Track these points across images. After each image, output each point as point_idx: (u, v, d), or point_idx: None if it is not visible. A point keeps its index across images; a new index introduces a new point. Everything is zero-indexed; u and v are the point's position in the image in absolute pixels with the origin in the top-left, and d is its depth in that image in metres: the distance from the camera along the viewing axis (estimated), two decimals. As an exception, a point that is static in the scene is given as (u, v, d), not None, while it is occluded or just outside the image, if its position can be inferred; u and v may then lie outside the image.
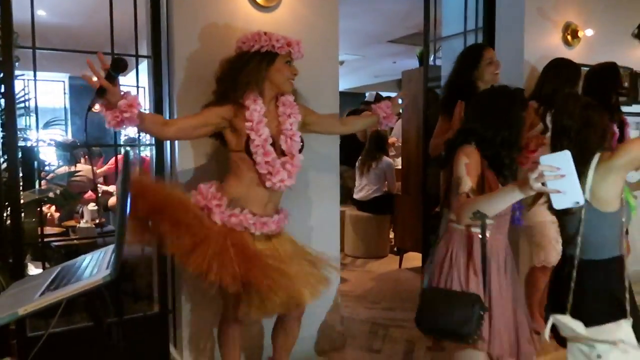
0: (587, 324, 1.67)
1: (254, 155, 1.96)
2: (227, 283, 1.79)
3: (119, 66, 1.61)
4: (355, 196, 5.07)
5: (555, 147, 1.74)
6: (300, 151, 2.08)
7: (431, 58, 4.13)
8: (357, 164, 5.08)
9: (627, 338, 1.66)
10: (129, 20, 2.44)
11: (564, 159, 1.34)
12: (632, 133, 3.57)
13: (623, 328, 1.69)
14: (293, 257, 2.06)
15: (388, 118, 2.38)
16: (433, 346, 2.62)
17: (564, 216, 1.76)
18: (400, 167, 4.99)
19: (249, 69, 1.98)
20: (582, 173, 1.66)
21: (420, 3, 3.97)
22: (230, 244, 1.86)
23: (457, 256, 1.82)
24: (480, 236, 1.73)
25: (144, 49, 2.55)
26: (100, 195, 4.66)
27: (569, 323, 1.67)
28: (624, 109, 3.87)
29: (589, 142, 1.70)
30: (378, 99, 5.69)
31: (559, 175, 1.34)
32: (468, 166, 1.77)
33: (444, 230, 1.93)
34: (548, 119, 2.64)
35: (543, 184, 1.35)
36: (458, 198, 1.73)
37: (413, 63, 5.74)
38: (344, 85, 10.72)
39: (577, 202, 1.37)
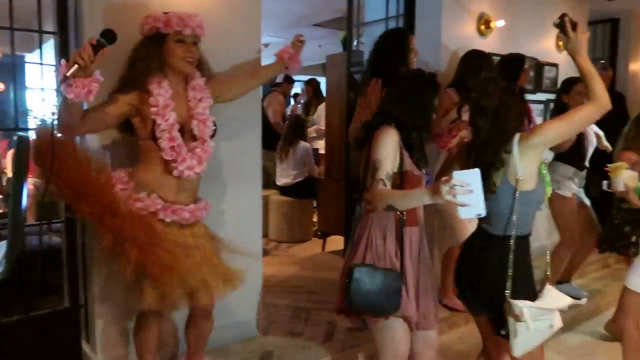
0: (533, 299, 1.80)
1: (160, 141, 1.87)
2: (123, 267, 1.76)
3: (111, 36, 1.71)
4: (278, 182, 5.05)
5: (473, 127, 1.84)
6: (212, 136, 2.01)
7: (354, 43, 4.17)
8: (277, 149, 5.04)
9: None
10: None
11: (474, 176, 1.48)
12: (536, 119, 3.83)
13: (553, 291, 1.86)
14: (207, 249, 2.01)
15: (293, 59, 2.39)
16: (353, 324, 2.65)
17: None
18: (324, 150, 5.03)
19: (142, 54, 1.91)
20: (502, 152, 1.78)
21: (343, -14, 3.99)
22: (132, 228, 1.78)
23: (375, 235, 1.89)
24: (398, 214, 1.83)
25: (49, 25, 2.34)
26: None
27: (530, 305, 1.76)
28: (530, 96, 4.15)
29: (507, 122, 1.80)
30: (288, 80, 5.68)
31: (468, 190, 1.46)
32: (387, 146, 1.82)
33: (361, 211, 1.97)
34: (465, 110, 2.75)
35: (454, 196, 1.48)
36: (375, 184, 1.78)
37: (338, 48, 5.75)
38: (269, 67, 10.55)
39: (479, 214, 1.52)
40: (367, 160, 1.93)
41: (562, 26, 1.79)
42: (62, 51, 2.24)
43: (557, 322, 1.84)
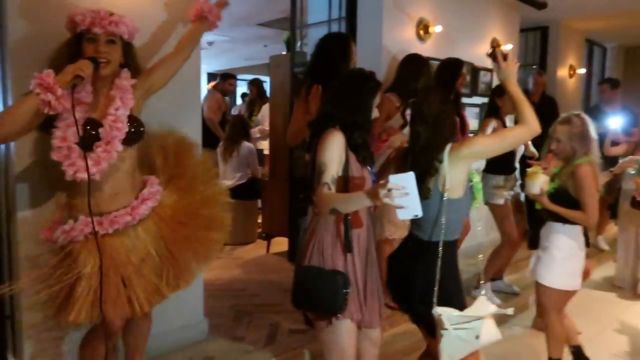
0: (461, 308, 1.85)
1: (52, 141, 1.76)
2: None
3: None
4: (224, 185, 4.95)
5: (413, 133, 1.92)
6: (137, 139, 1.91)
7: (298, 44, 4.18)
8: (218, 150, 4.96)
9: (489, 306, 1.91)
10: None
11: (408, 180, 1.54)
12: (472, 122, 3.99)
13: (482, 300, 1.93)
14: (156, 246, 1.93)
15: (212, 12, 2.18)
16: (306, 322, 2.62)
17: None
18: (268, 151, 4.99)
19: (59, 53, 1.85)
20: (436, 160, 1.85)
21: (287, -13, 3.98)
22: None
23: (323, 237, 1.90)
24: (343, 220, 1.86)
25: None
26: None
27: (451, 312, 1.82)
28: (466, 99, 4.31)
29: (443, 131, 1.90)
30: (223, 77, 5.56)
31: (404, 194, 1.52)
32: (332, 150, 1.82)
33: (311, 213, 1.99)
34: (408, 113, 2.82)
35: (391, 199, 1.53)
36: (319, 188, 1.78)
37: (284, 47, 5.73)
38: (215, 66, 10.37)
39: (416, 215, 1.58)
40: (313, 164, 1.93)
41: (494, 56, 1.94)
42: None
43: (487, 335, 1.88)
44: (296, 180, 4.02)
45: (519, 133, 1.90)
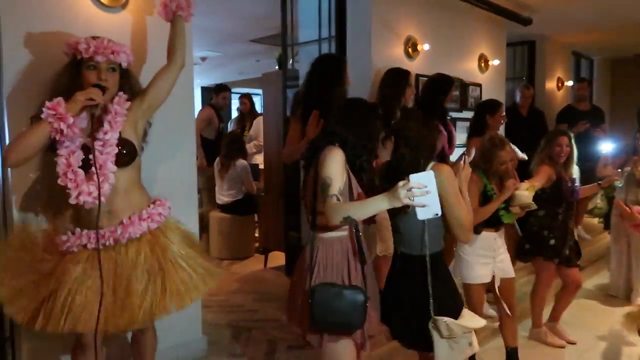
0: (455, 317, 1.91)
1: (57, 167, 1.85)
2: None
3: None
4: (218, 201, 5.01)
5: (396, 149, 2.03)
6: (129, 161, 1.96)
7: (290, 62, 4.26)
8: (215, 166, 5.01)
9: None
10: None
11: (429, 178, 1.58)
12: (460, 136, 4.07)
13: (469, 312, 2.01)
14: (150, 265, 1.96)
15: (181, 7, 2.12)
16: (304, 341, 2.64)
17: (396, 217, 1.97)
18: (262, 165, 5.05)
19: (58, 79, 1.93)
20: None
21: (278, 5, 4.07)
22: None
23: (331, 254, 1.91)
24: (354, 233, 1.87)
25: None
26: None
27: (450, 322, 1.87)
28: (456, 114, 4.40)
29: (421, 152, 1.99)
30: (215, 90, 5.55)
31: (425, 192, 1.55)
32: (335, 165, 1.86)
33: (308, 235, 2.00)
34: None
35: (410, 197, 1.57)
36: (328, 200, 1.80)
37: (276, 62, 5.79)
38: (208, 80, 10.46)
39: (437, 214, 1.61)
40: (314, 182, 1.95)
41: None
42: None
43: (475, 342, 1.97)
44: (290, 196, 4.07)
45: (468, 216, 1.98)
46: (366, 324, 1.91)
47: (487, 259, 2.71)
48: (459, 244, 2.75)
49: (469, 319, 1.97)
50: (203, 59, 7.88)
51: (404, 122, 2.06)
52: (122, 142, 1.94)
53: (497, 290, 2.75)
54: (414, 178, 1.57)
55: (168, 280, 1.97)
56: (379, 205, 1.68)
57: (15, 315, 1.88)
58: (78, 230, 1.93)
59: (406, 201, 1.56)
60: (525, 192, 2.73)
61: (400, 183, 1.57)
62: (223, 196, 4.95)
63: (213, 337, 3.00)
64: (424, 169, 1.93)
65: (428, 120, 2.08)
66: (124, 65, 1.99)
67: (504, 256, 2.79)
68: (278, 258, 4.59)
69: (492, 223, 2.70)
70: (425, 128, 2.05)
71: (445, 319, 1.88)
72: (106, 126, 1.89)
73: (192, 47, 2.68)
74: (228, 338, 3.08)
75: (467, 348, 1.92)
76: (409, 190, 1.55)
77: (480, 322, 1.98)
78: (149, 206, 2.04)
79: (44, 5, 2.18)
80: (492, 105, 3.68)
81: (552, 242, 3.12)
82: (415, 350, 2.14)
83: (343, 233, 1.93)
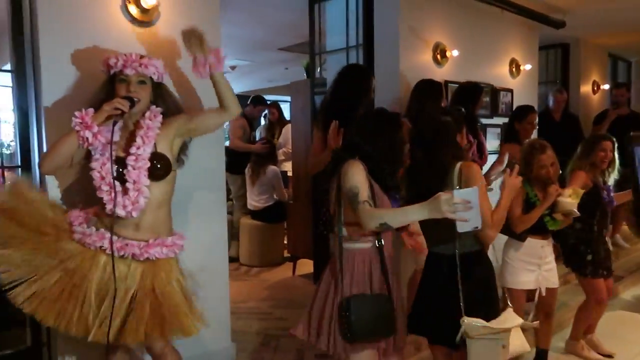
0: (488, 318, 1.91)
1: (92, 181, 1.94)
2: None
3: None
4: (249, 206, 5.07)
5: (413, 155, 2.06)
6: (162, 175, 1.99)
7: (317, 70, 4.28)
8: (246, 173, 5.07)
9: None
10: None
11: (472, 195, 1.60)
12: (492, 142, 4.00)
13: (509, 311, 2.00)
14: (161, 288, 1.98)
15: (214, 66, 2.03)
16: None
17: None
18: (291, 173, 5.08)
19: (95, 94, 2.00)
20: (446, 180, 1.95)
21: (306, 13, 4.10)
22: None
23: (358, 264, 1.93)
24: (377, 244, 1.92)
25: (5, 56, 2.34)
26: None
27: (477, 322, 1.88)
28: (486, 120, 4.33)
29: (440, 155, 2.03)
30: (253, 102, 5.66)
31: (468, 207, 1.58)
32: (359, 176, 1.88)
33: (335, 246, 2.01)
34: None
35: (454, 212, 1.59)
36: (360, 207, 1.81)
37: (304, 70, 5.83)
38: (238, 88, 10.61)
39: (476, 227, 1.65)
40: (337, 195, 1.97)
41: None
42: (20, 86, 2.26)
43: (514, 345, 1.96)
44: (319, 203, 4.07)
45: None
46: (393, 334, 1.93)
47: (532, 265, 2.69)
48: (505, 249, 2.77)
49: (504, 320, 1.95)
50: (232, 67, 8.00)
51: (422, 124, 2.08)
52: (156, 156, 1.98)
53: (536, 299, 2.73)
54: (459, 194, 1.59)
55: (166, 305, 1.97)
56: (418, 214, 1.69)
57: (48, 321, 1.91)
58: (102, 230, 1.94)
59: (448, 215, 1.58)
60: (568, 199, 2.63)
61: (444, 197, 1.58)
62: (254, 201, 5.01)
63: (242, 345, 3.03)
64: (447, 171, 1.93)
65: (447, 124, 2.09)
66: (155, 78, 2.04)
67: (551, 265, 2.76)
68: (307, 265, 4.59)
69: (539, 230, 2.67)
70: (443, 130, 2.06)
71: (474, 319, 1.87)
72: (139, 141, 1.94)
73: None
74: (257, 346, 3.10)
75: (500, 350, 1.90)
76: (452, 205, 1.57)
77: (514, 322, 1.96)
78: (171, 231, 2.09)
79: (79, 23, 2.26)
80: (520, 111, 3.62)
81: (589, 257, 3.01)
82: (445, 347, 2.10)
83: (366, 245, 1.93)
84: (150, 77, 2.02)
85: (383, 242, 1.92)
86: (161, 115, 2.03)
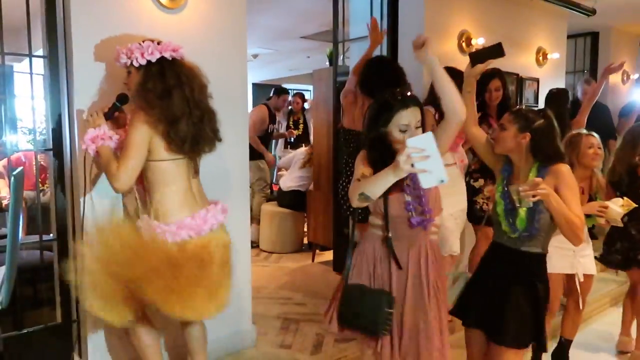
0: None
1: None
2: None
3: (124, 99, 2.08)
4: (284, 187, 5.09)
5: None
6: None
7: (340, 58, 4.27)
8: (298, 155, 5.14)
9: None
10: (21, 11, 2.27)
11: (428, 141, 1.44)
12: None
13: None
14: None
15: None
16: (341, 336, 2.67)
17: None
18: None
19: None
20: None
21: (329, 1, 4.08)
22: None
23: (370, 253, 1.92)
24: (384, 235, 1.87)
25: (37, 42, 2.38)
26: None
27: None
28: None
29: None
30: (277, 92, 5.69)
31: (424, 156, 1.44)
32: (358, 160, 1.89)
33: (356, 235, 2.04)
34: None
35: (412, 165, 1.47)
36: (351, 185, 1.83)
37: (326, 58, 5.84)
38: (260, 77, 10.65)
39: (442, 180, 1.47)
40: None
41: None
42: (53, 72, 2.32)
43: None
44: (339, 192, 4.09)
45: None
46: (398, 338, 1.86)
47: (566, 251, 2.66)
48: None
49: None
50: (255, 56, 8.03)
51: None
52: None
53: (577, 285, 2.75)
54: (411, 142, 1.45)
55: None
56: (385, 178, 1.60)
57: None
58: (145, 217, 2.05)
59: (407, 168, 1.47)
60: (618, 208, 2.53)
61: (402, 153, 1.48)
62: (290, 181, 5.06)
63: (262, 328, 3.09)
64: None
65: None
66: (135, 63, 1.96)
67: (588, 252, 2.76)
68: (326, 253, 4.63)
69: None
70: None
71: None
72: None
73: (245, 44, 2.77)
74: (277, 329, 3.16)
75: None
76: (408, 157, 1.46)
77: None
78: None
79: (109, 9, 2.30)
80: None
81: (618, 245, 2.97)
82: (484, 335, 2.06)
83: (376, 232, 1.92)
84: (132, 64, 1.97)
85: (391, 234, 1.85)
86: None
